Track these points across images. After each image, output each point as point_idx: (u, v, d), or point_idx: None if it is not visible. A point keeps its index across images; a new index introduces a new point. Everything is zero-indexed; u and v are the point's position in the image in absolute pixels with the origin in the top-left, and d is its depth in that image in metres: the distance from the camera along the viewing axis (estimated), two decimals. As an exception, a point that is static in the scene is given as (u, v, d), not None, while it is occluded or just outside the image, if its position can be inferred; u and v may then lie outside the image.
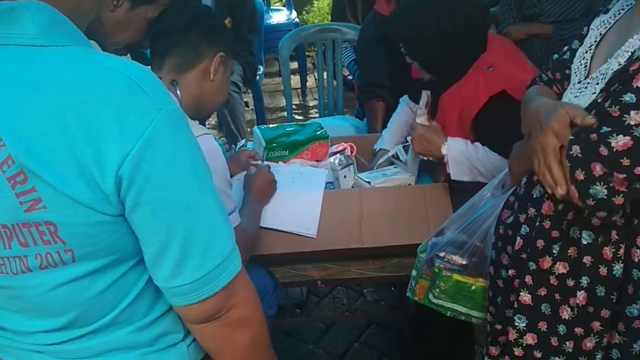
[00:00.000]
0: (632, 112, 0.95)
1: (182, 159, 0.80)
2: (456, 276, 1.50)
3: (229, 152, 2.15)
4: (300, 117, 4.68)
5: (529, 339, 1.23)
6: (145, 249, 0.83)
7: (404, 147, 2.01)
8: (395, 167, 1.99)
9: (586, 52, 1.18)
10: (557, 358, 1.21)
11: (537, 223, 1.20)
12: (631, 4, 1.12)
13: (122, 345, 0.90)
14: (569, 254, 1.15)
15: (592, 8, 2.39)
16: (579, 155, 1.01)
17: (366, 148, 2.18)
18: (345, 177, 1.93)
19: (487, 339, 1.42)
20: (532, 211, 1.24)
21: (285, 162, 2.02)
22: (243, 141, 2.34)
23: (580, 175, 1.01)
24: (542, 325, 1.21)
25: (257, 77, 3.83)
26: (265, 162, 1.92)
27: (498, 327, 1.36)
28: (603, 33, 1.17)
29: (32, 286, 0.83)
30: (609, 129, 0.98)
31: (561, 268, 1.17)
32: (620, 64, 1.04)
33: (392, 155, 2.03)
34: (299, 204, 1.75)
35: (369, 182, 1.87)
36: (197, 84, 1.45)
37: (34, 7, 0.76)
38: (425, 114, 1.88)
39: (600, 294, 1.12)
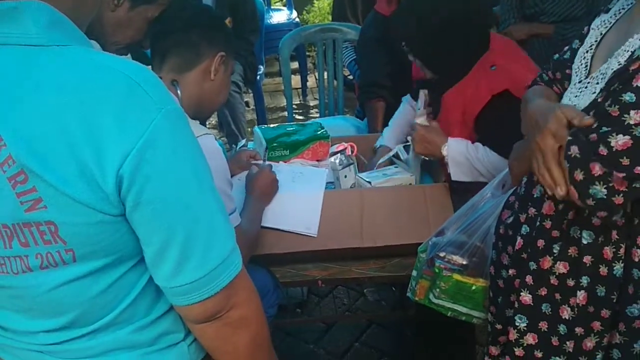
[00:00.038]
0: (632, 112, 0.95)
1: (182, 159, 0.80)
2: (456, 276, 1.50)
3: (230, 152, 2.15)
4: (300, 117, 4.68)
5: (530, 338, 1.23)
6: (145, 249, 0.83)
7: (404, 146, 2.02)
8: (395, 167, 1.99)
9: (587, 51, 1.18)
10: (557, 358, 1.21)
11: (538, 223, 1.20)
12: (631, 3, 1.12)
13: (122, 345, 0.91)
14: (569, 254, 1.15)
15: (593, 7, 2.39)
16: (578, 155, 1.01)
17: (367, 148, 2.18)
18: (345, 176, 1.93)
19: (487, 339, 1.42)
20: (532, 211, 1.24)
21: (285, 162, 2.02)
22: (244, 141, 2.34)
23: (579, 175, 1.01)
24: (543, 325, 1.21)
25: (258, 77, 3.83)
26: (266, 162, 1.92)
27: (498, 327, 1.36)
28: (604, 33, 1.17)
29: (32, 286, 0.83)
30: (609, 129, 0.98)
31: (561, 268, 1.17)
32: (621, 64, 1.04)
33: (393, 155, 2.03)
34: (299, 203, 1.75)
35: (370, 182, 1.87)
36: (198, 83, 1.45)
37: (35, 6, 0.76)
38: (424, 114, 1.88)
39: (601, 294, 1.12)
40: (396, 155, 2.03)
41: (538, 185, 1.23)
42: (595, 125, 1.02)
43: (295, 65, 4.87)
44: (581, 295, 1.14)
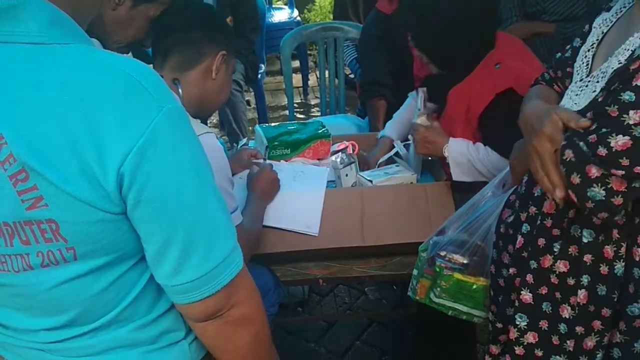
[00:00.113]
0: (631, 112, 0.95)
1: (183, 157, 0.80)
2: (457, 275, 1.50)
3: (231, 151, 2.15)
4: (301, 116, 4.68)
5: (530, 337, 1.23)
6: (146, 247, 0.83)
7: (404, 145, 2.02)
8: (397, 166, 1.99)
9: (588, 50, 1.19)
10: (558, 357, 1.21)
11: (538, 221, 1.20)
12: (632, 2, 1.12)
13: (123, 343, 0.91)
14: (569, 253, 1.15)
15: (594, 6, 2.39)
16: (573, 159, 1.01)
17: (368, 147, 2.18)
18: (347, 175, 1.93)
19: (488, 338, 1.42)
20: (533, 210, 1.24)
21: (286, 161, 2.02)
22: (245, 140, 2.34)
23: (576, 179, 1.01)
24: (543, 324, 1.21)
25: (259, 76, 3.83)
26: (267, 161, 1.92)
27: (499, 325, 1.36)
28: (605, 31, 1.17)
29: (33, 284, 0.83)
30: (608, 129, 0.98)
31: (562, 267, 1.17)
32: (621, 62, 1.04)
33: (394, 154, 2.04)
34: (300, 202, 1.75)
35: (371, 181, 1.87)
36: (199, 82, 1.45)
37: (36, 5, 0.76)
38: (424, 114, 1.88)
39: (601, 293, 1.12)
40: (397, 154, 2.04)
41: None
42: (594, 126, 1.02)
43: (296, 63, 4.87)
44: (582, 294, 1.14)
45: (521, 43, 1.89)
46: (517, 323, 1.24)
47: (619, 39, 1.10)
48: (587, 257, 1.12)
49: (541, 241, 1.19)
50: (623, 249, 1.10)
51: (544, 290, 1.20)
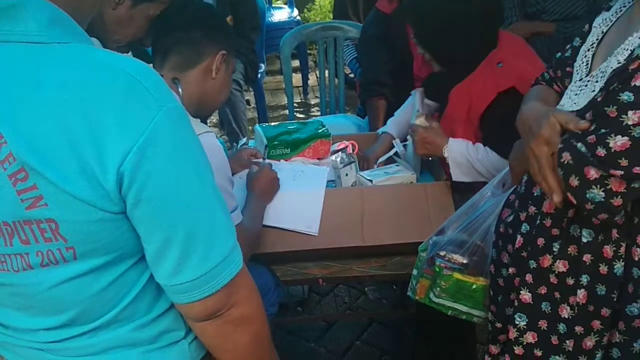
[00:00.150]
0: (630, 112, 0.95)
1: (183, 157, 0.80)
2: (457, 275, 1.50)
3: (231, 151, 2.15)
4: (301, 115, 4.68)
5: (529, 337, 1.23)
6: (146, 247, 0.83)
7: (403, 145, 2.02)
8: (397, 165, 1.99)
9: (588, 50, 1.19)
10: (557, 357, 1.21)
11: (538, 221, 1.20)
12: (631, 1, 1.12)
13: (123, 343, 0.91)
14: (569, 252, 1.15)
15: (593, 6, 2.39)
16: (570, 162, 1.01)
17: (368, 146, 2.18)
18: (346, 175, 1.93)
19: (487, 338, 1.42)
20: (532, 209, 1.24)
21: (286, 160, 2.02)
22: (244, 139, 2.34)
23: (574, 181, 1.01)
24: (543, 324, 1.21)
25: (259, 75, 3.83)
26: (267, 160, 1.92)
27: (498, 325, 1.36)
28: (605, 31, 1.17)
29: (33, 284, 0.83)
30: (607, 130, 0.98)
31: (561, 266, 1.17)
32: (620, 62, 1.04)
33: (394, 153, 2.04)
34: (300, 202, 1.75)
35: (371, 180, 1.87)
36: (199, 82, 1.45)
37: (35, 4, 0.76)
38: (423, 115, 1.89)
39: (601, 293, 1.12)
40: (397, 153, 2.04)
41: (538, 184, 1.23)
42: (593, 127, 1.02)
43: (296, 63, 4.87)
44: (581, 293, 1.14)
45: (523, 42, 1.88)
46: (517, 323, 1.24)
47: (618, 38, 1.10)
48: (587, 257, 1.12)
49: (540, 241, 1.19)
50: (622, 249, 1.10)
51: (543, 290, 1.20)
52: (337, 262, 1.75)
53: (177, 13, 1.44)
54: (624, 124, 0.96)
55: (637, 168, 0.96)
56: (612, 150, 0.97)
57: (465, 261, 1.49)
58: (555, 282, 1.18)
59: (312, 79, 5.29)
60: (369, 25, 2.64)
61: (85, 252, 0.80)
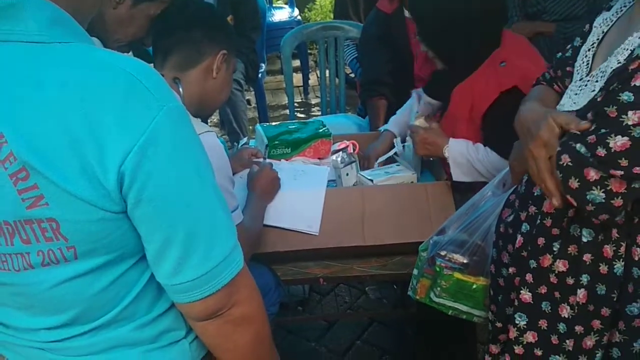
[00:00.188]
0: (630, 112, 0.95)
1: (184, 156, 0.80)
2: (457, 275, 1.50)
3: (231, 150, 2.15)
4: (302, 115, 4.69)
5: (530, 337, 1.23)
6: (147, 246, 0.83)
7: (403, 145, 2.02)
8: (397, 165, 1.99)
9: (588, 49, 1.19)
10: (557, 356, 1.21)
11: (538, 221, 1.20)
12: (632, 1, 1.12)
13: (124, 342, 0.91)
14: (569, 252, 1.15)
15: (594, 6, 2.39)
16: (570, 164, 1.01)
17: (368, 146, 2.18)
18: (347, 175, 1.93)
19: (488, 337, 1.42)
20: (532, 209, 1.24)
21: (287, 160, 2.02)
22: (245, 139, 2.34)
23: (574, 183, 1.01)
24: (543, 324, 1.21)
25: (259, 75, 3.83)
26: (268, 160, 1.92)
27: (499, 325, 1.36)
28: (605, 31, 1.17)
29: (34, 283, 0.83)
30: (607, 130, 0.98)
31: (561, 266, 1.17)
32: (620, 62, 1.04)
33: (394, 153, 2.04)
34: (301, 201, 1.75)
35: (372, 180, 1.87)
36: (200, 81, 1.45)
37: (35, 3, 0.76)
38: (422, 116, 1.89)
39: (601, 292, 1.12)
40: (396, 153, 2.04)
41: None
42: (593, 127, 1.02)
43: (296, 63, 4.87)
44: (581, 293, 1.14)
45: (527, 42, 1.88)
46: (517, 322, 1.25)
47: (618, 38, 1.10)
48: (587, 257, 1.12)
49: (541, 240, 1.19)
50: (622, 249, 1.10)
51: (543, 290, 1.20)
52: (338, 261, 1.75)
53: (177, 12, 1.44)
54: (624, 124, 0.96)
55: (637, 168, 0.96)
56: (612, 151, 0.97)
57: (465, 261, 1.49)
58: (555, 282, 1.18)
59: (313, 79, 5.30)
60: (369, 25, 2.64)
61: (86, 251, 0.80)
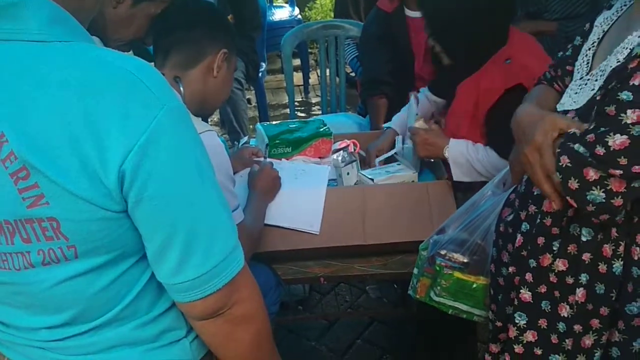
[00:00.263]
0: (629, 111, 0.95)
1: (185, 156, 0.80)
2: (457, 274, 1.50)
3: (232, 149, 2.15)
4: (302, 114, 4.68)
5: (529, 336, 1.23)
6: (148, 246, 0.83)
7: (403, 145, 2.02)
8: (398, 164, 1.99)
9: (589, 48, 1.19)
10: (557, 355, 1.21)
11: (538, 220, 1.20)
12: (632, 0, 1.12)
13: (125, 342, 0.91)
14: (568, 251, 1.15)
15: (595, 5, 2.39)
16: (569, 164, 1.01)
17: (369, 145, 2.18)
18: (348, 174, 1.93)
19: (488, 337, 1.42)
20: (532, 208, 1.24)
21: (288, 159, 2.02)
22: (246, 138, 2.34)
23: (574, 184, 1.01)
24: (542, 323, 1.22)
25: (260, 74, 3.83)
26: (268, 159, 1.92)
27: (499, 324, 1.36)
28: (606, 30, 1.17)
29: (34, 282, 0.83)
30: (606, 128, 0.98)
31: (561, 265, 1.17)
32: (619, 61, 1.04)
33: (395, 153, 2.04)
34: (302, 200, 1.75)
35: (372, 179, 1.87)
36: (200, 80, 1.45)
37: (35, 3, 0.76)
38: (422, 118, 1.90)
39: (600, 292, 1.12)
40: (397, 153, 2.04)
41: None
42: (592, 126, 1.02)
43: (297, 62, 4.87)
44: (580, 292, 1.14)
45: (533, 40, 1.88)
46: (517, 322, 1.25)
47: (618, 37, 1.10)
48: (586, 256, 1.12)
49: (540, 240, 1.19)
50: (622, 248, 1.10)
51: (543, 289, 1.20)
52: (338, 260, 1.75)
53: (178, 12, 1.44)
54: (622, 122, 0.96)
55: (637, 167, 0.95)
56: (611, 149, 0.96)
57: (465, 260, 1.49)
58: (555, 281, 1.18)
59: (313, 78, 5.29)
60: (370, 24, 2.64)
61: (86, 250, 0.80)
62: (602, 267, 1.11)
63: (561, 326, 1.19)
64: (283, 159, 2.01)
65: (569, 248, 1.15)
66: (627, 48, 1.04)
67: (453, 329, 1.88)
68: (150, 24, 1.42)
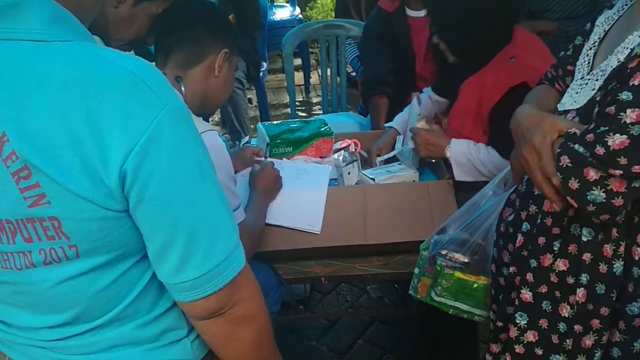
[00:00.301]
0: (629, 110, 0.95)
1: (186, 155, 0.80)
2: (458, 274, 1.50)
3: (233, 149, 2.15)
4: (303, 114, 4.68)
5: (530, 336, 1.23)
6: (149, 245, 0.83)
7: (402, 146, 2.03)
8: (399, 164, 1.99)
9: (590, 48, 1.19)
10: (557, 356, 1.21)
11: (539, 220, 1.20)
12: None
13: (126, 341, 0.91)
14: (569, 251, 1.15)
15: (596, 5, 2.39)
16: (569, 165, 1.01)
17: (370, 145, 2.18)
18: (349, 173, 1.93)
19: (489, 337, 1.42)
20: (533, 208, 1.24)
21: (289, 159, 2.02)
22: (247, 138, 2.34)
23: (574, 184, 1.01)
24: (543, 323, 1.21)
25: (261, 74, 3.83)
26: (269, 159, 1.92)
27: (499, 324, 1.36)
28: (607, 29, 1.17)
29: (36, 282, 0.83)
30: (606, 128, 0.97)
31: (561, 265, 1.16)
32: (620, 61, 1.04)
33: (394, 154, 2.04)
34: (303, 200, 1.75)
35: (373, 179, 1.87)
36: (202, 80, 1.45)
37: (36, 2, 0.76)
38: (424, 118, 1.90)
39: (600, 292, 1.12)
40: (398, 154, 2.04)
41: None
42: (592, 126, 1.02)
43: (298, 61, 4.87)
44: (580, 292, 1.14)
45: (537, 39, 1.88)
46: (517, 322, 1.25)
47: (619, 37, 1.10)
48: (587, 256, 1.12)
49: (541, 240, 1.19)
50: (622, 248, 1.10)
51: (543, 289, 1.20)
52: (339, 260, 1.75)
53: (179, 11, 1.44)
54: (622, 121, 0.96)
55: (637, 167, 0.95)
56: (611, 149, 0.96)
57: (466, 260, 1.49)
58: (556, 281, 1.18)
59: (314, 78, 5.29)
60: (371, 24, 2.64)
61: (88, 250, 0.80)
62: (603, 267, 1.11)
63: (562, 326, 1.19)
64: (284, 159, 2.01)
65: (569, 248, 1.15)
66: (627, 48, 1.04)
67: (454, 329, 1.88)
68: (152, 24, 1.42)
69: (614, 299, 1.12)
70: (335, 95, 3.20)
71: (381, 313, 2.68)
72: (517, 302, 1.25)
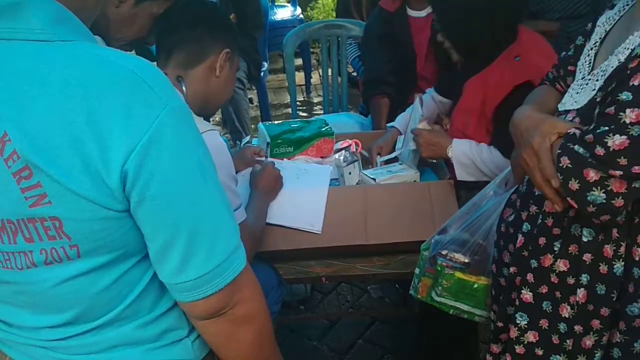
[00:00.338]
0: (628, 110, 0.95)
1: (187, 155, 0.80)
2: (459, 274, 1.50)
3: (234, 149, 2.15)
4: (304, 114, 4.68)
5: (530, 336, 1.23)
6: (150, 245, 0.83)
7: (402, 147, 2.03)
8: (400, 164, 1.99)
9: (591, 48, 1.19)
10: (557, 356, 1.21)
11: (539, 220, 1.20)
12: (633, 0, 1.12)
13: (126, 341, 0.91)
14: (569, 252, 1.15)
15: (597, 5, 2.39)
16: (569, 165, 1.01)
17: (371, 145, 2.18)
18: (350, 173, 1.93)
19: (489, 337, 1.42)
20: (534, 209, 1.24)
21: (289, 159, 2.02)
22: (248, 137, 2.34)
23: (574, 185, 1.01)
24: (543, 323, 1.21)
25: (262, 74, 3.83)
26: (270, 159, 1.92)
27: (500, 324, 1.36)
28: (608, 30, 1.17)
29: (37, 282, 0.83)
30: (606, 129, 0.97)
31: (562, 266, 1.16)
32: (620, 61, 1.04)
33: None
34: (303, 200, 1.75)
35: (374, 179, 1.87)
36: (203, 80, 1.46)
37: (38, 1, 0.76)
38: (425, 120, 1.90)
39: (600, 292, 1.12)
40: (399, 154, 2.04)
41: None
42: (592, 126, 1.02)
43: (299, 61, 4.87)
44: (581, 293, 1.14)
45: (542, 38, 1.88)
46: (518, 322, 1.25)
47: (620, 37, 1.10)
48: (587, 256, 1.12)
49: (542, 240, 1.19)
50: (622, 249, 1.10)
51: (544, 290, 1.20)
52: (340, 260, 1.75)
53: (180, 11, 1.44)
54: (622, 121, 0.95)
55: (636, 167, 0.95)
56: (611, 150, 0.96)
57: (467, 260, 1.49)
58: (556, 282, 1.18)
59: (315, 78, 5.30)
60: (372, 24, 2.64)
61: (89, 250, 0.80)
62: (603, 268, 1.11)
63: (562, 327, 1.19)
64: (285, 159, 2.01)
65: (570, 248, 1.15)
66: (628, 48, 1.04)
67: (454, 329, 1.88)
68: (153, 24, 1.42)
69: (614, 299, 1.12)
70: (336, 95, 3.20)
71: (382, 313, 2.68)
72: (517, 303, 1.25)
